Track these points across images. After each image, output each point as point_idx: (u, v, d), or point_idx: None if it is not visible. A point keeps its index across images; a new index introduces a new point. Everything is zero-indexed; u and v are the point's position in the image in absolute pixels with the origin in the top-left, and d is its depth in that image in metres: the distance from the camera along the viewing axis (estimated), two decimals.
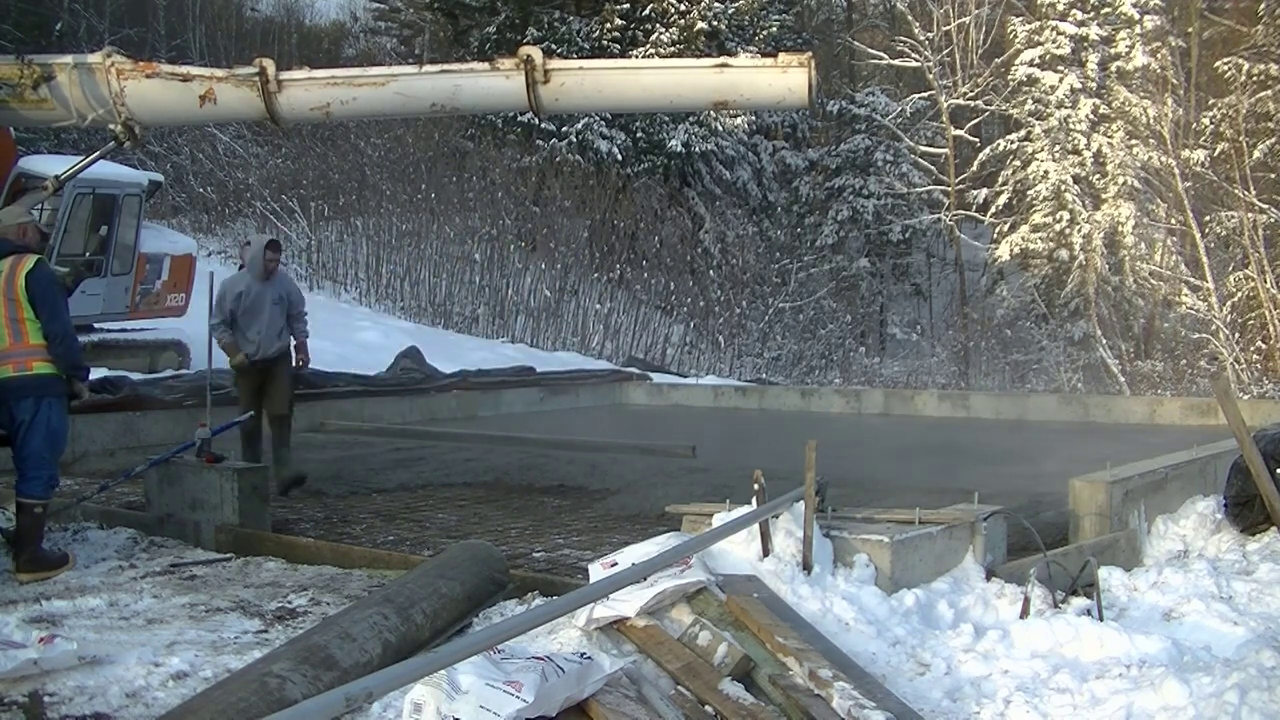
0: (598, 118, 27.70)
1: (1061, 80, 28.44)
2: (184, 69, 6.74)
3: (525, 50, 6.36)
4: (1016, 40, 29.45)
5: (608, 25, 29.40)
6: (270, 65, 6.45)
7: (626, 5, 29.68)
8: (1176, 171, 26.45)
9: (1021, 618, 4.98)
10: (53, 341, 6.23)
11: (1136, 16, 28.57)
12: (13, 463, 6.28)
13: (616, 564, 4.88)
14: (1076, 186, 28.19)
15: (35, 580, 5.99)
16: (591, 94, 6.55)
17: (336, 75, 6.70)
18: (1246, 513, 6.62)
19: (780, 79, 6.14)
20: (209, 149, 26.69)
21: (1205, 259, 25.68)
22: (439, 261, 25.05)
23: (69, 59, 6.64)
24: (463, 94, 6.48)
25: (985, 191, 29.72)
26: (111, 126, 6.65)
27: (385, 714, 4.10)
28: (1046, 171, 28.23)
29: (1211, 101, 28.16)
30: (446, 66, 6.67)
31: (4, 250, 6.36)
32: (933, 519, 5.55)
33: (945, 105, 30.14)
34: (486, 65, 6.53)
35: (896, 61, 31.30)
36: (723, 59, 6.41)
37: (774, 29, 32.37)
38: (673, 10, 29.60)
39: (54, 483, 6.34)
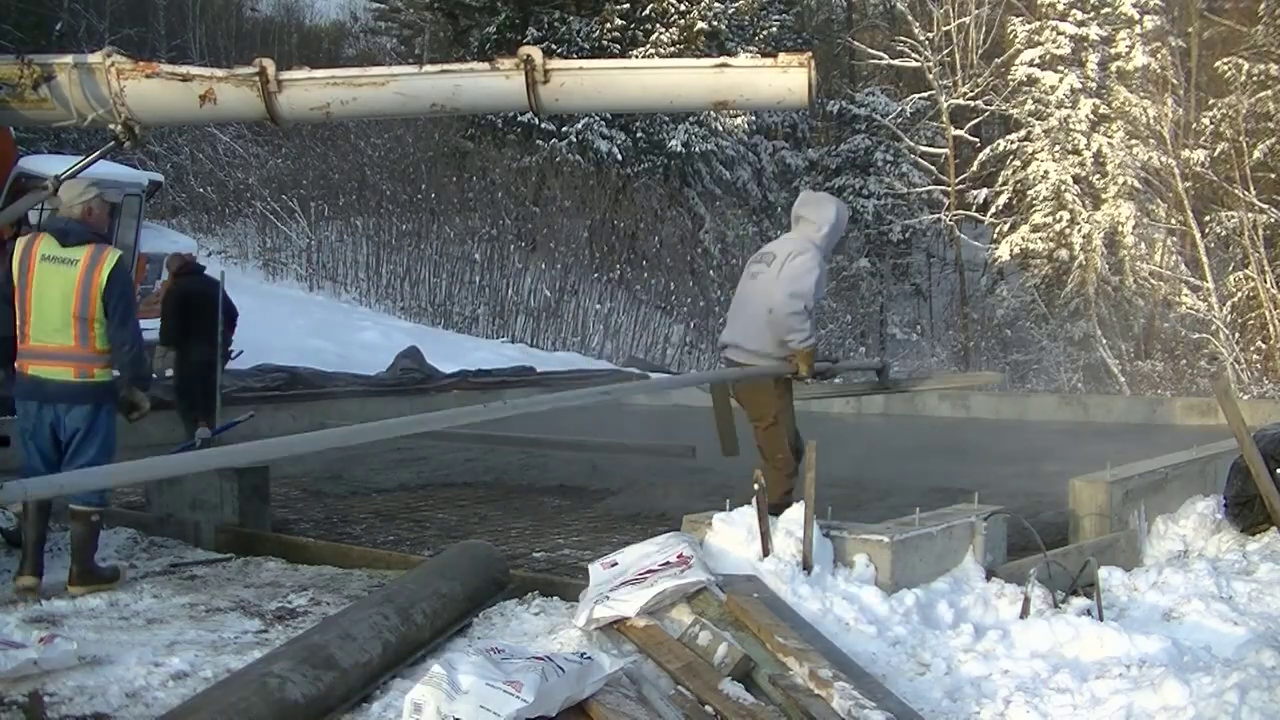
0: (598, 118, 27.71)
1: (1061, 80, 28.46)
2: (184, 69, 6.74)
3: (525, 50, 6.36)
4: (1016, 40, 29.47)
5: (608, 25, 29.40)
6: (270, 65, 6.45)
7: (626, 5, 29.68)
8: (1176, 171, 26.46)
9: (1021, 618, 4.99)
10: (121, 348, 5.81)
11: (1136, 16, 28.60)
12: (61, 469, 5.84)
13: (616, 564, 4.88)
14: (1076, 186, 28.21)
15: (91, 593, 5.71)
16: (591, 94, 6.55)
17: (336, 75, 6.70)
18: (1246, 513, 6.62)
19: (780, 79, 6.14)
20: (209, 149, 26.69)
21: (1205, 259, 25.69)
22: (439, 261, 25.06)
23: (69, 59, 6.62)
24: (463, 94, 6.48)
25: (985, 191, 29.74)
26: (111, 126, 6.64)
27: (385, 714, 4.11)
28: (1046, 171, 28.24)
29: (1211, 101, 28.17)
30: (446, 66, 6.67)
31: (80, 236, 5.82)
32: (933, 519, 5.56)
33: (945, 105, 30.14)
34: (486, 65, 6.53)
35: (896, 61, 31.31)
36: (723, 59, 6.41)
37: (774, 29, 32.39)
38: (673, 10, 29.60)
39: (109, 489, 6.05)
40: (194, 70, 6.72)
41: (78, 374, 5.79)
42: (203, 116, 7.04)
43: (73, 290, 5.72)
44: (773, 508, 5.61)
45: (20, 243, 5.87)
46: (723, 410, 6.73)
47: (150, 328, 14.67)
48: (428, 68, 6.62)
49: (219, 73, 6.63)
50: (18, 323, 5.78)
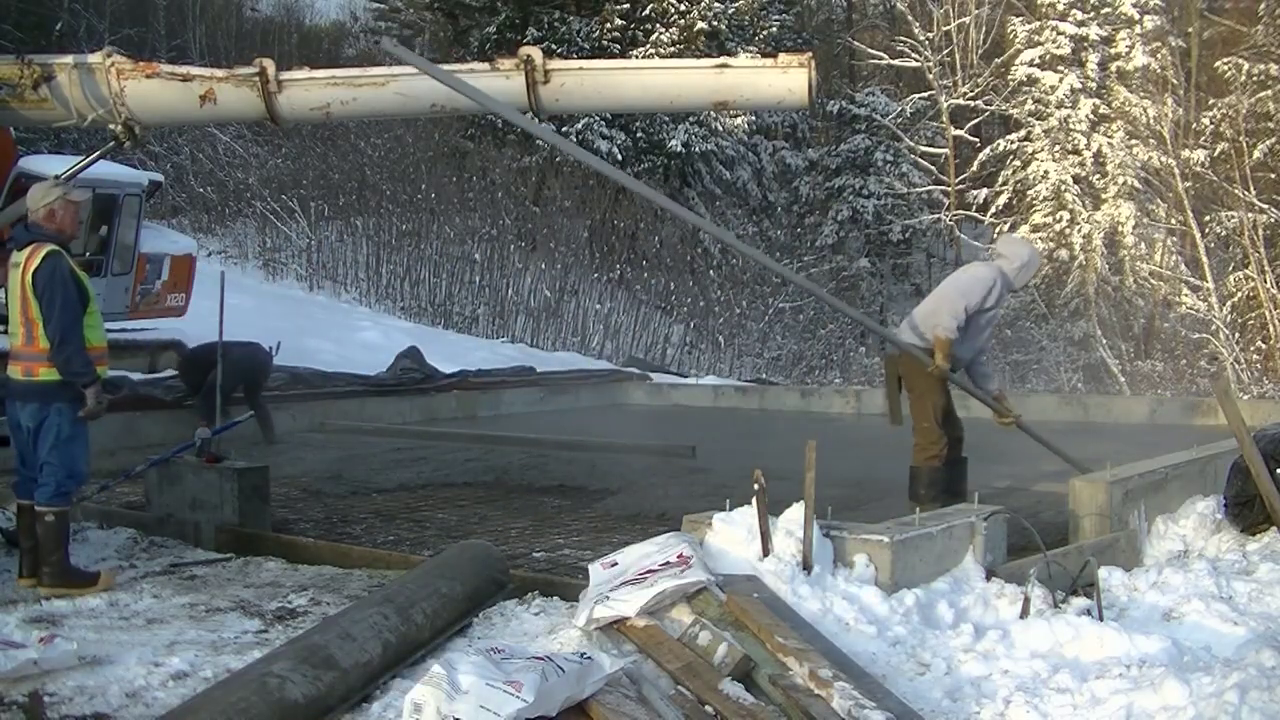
0: (598, 118, 27.71)
1: (1061, 80, 28.45)
2: (184, 69, 6.75)
3: (525, 50, 6.36)
4: (1016, 40, 29.46)
5: (608, 25, 29.40)
6: (270, 65, 6.45)
7: (626, 5, 29.68)
8: (1176, 171, 26.45)
9: (1021, 618, 4.99)
10: (51, 344, 5.73)
11: (1136, 16, 28.59)
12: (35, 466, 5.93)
13: (616, 564, 4.88)
14: (1076, 186, 28.20)
15: (57, 595, 5.68)
16: (591, 94, 6.56)
17: (337, 75, 6.71)
18: (1246, 513, 6.62)
19: (780, 79, 6.15)
20: (209, 149, 26.68)
21: (1205, 259, 25.67)
22: (439, 261, 25.05)
23: (69, 59, 6.63)
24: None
25: (985, 191, 29.72)
26: (111, 126, 6.65)
27: (385, 714, 4.11)
28: (1046, 171, 28.23)
29: (1211, 101, 28.16)
30: (447, 67, 6.68)
31: (24, 240, 5.88)
32: (933, 519, 5.56)
33: (945, 105, 30.13)
34: (487, 65, 6.54)
35: (896, 61, 31.29)
36: (723, 59, 6.42)
37: (774, 29, 32.40)
38: (673, 10, 29.59)
39: (62, 490, 5.92)
40: (194, 70, 6.74)
41: (23, 372, 5.86)
42: (203, 117, 7.05)
43: (17, 292, 5.81)
44: (920, 470, 7.07)
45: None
46: (891, 385, 7.60)
47: (150, 328, 14.81)
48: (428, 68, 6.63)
49: (219, 73, 6.64)
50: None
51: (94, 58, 6.55)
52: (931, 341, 7.19)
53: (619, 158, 28.58)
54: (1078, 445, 9.06)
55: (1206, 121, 27.87)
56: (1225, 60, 27.60)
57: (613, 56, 26.51)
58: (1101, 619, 4.99)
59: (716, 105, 6.84)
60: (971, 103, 30.07)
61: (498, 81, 6.38)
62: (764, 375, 24.12)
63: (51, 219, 5.91)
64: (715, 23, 29.79)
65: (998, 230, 29.50)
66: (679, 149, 29.72)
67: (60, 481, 5.89)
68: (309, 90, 6.50)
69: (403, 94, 6.51)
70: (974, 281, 7.29)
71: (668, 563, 4.70)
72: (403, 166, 26.52)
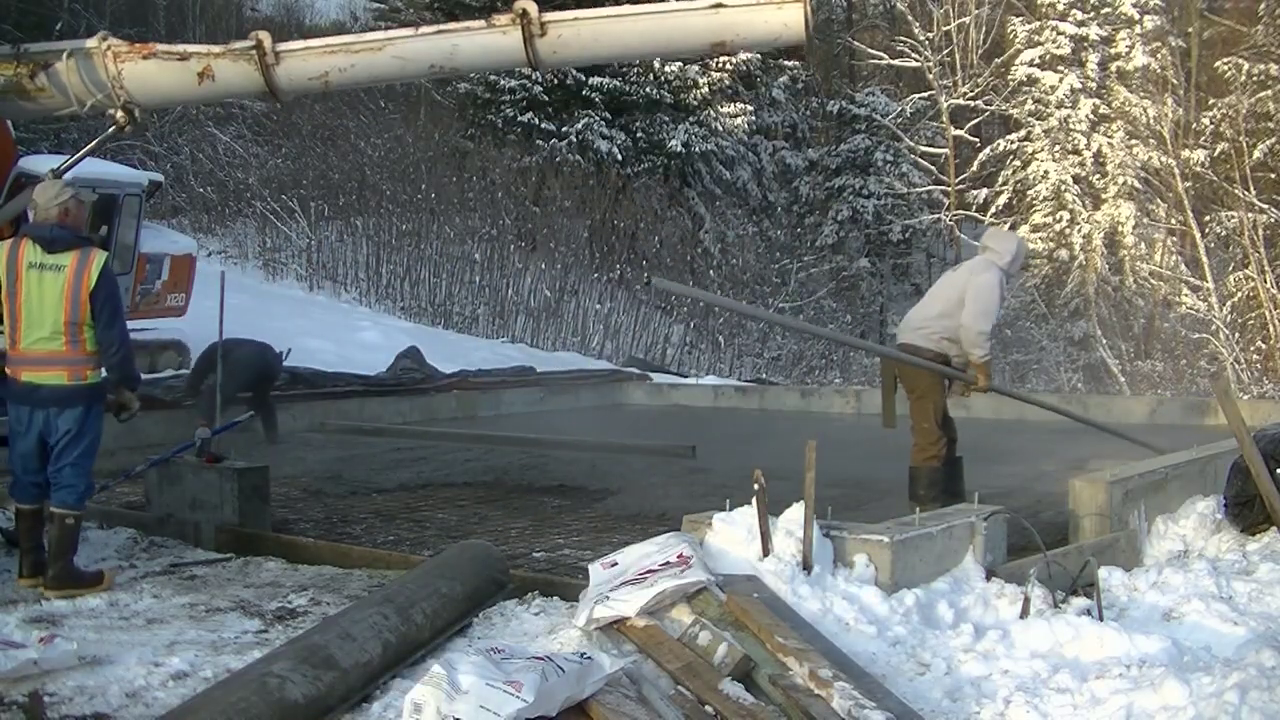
0: (597, 117, 27.72)
1: (1061, 80, 28.49)
2: (180, 47, 6.69)
3: (520, 4, 6.27)
4: (1016, 40, 29.51)
5: None
6: (266, 37, 6.41)
7: None
8: (1176, 171, 26.48)
9: (1021, 618, 4.99)
10: (110, 349, 5.76)
11: (1136, 16, 28.63)
12: (47, 470, 5.85)
13: (616, 564, 4.88)
14: (1076, 186, 28.22)
15: (64, 597, 5.65)
16: (589, 43, 6.47)
17: (333, 43, 6.65)
18: (1246, 513, 6.62)
19: (776, 15, 6.09)
20: (209, 149, 26.67)
21: (1205, 259, 25.69)
22: (439, 261, 25.03)
23: (65, 45, 6.60)
24: (460, 53, 6.43)
25: (985, 191, 29.75)
26: (111, 111, 6.62)
27: (385, 714, 4.11)
28: (1046, 171, 28.26)
29: (1211, 101, 28.20)
30: (443, 27, 6.64)
31: (65, 242, 5.72)
32: (933, 519, 5.56)
33: (945, 105, 30.15)
34: (483, 22, 6.47)
35: (896, 61, 31.32)
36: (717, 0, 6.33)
37: None
38: None
39: (90, 493, 6.01)
40: (190, 48, 6.68)
41: (71, 377, 5.78)
42: (202, 94, 6.95)
43: (63, 296, 5.67)
44: (920, 470, 7.13)
45: (3, 248, 5.78)
46: (887, 387, 7.63)
47: (150, 328, 14.82)
48: (424, 29, 6.57)
49: (215, 49, 6.59)
50: (7, 329, 5.77)
51: (90, 42, 6.53)
52: (942, 347, 7.39)
53: (619, 158, 28.58)
54: (1078, 445, 9.07)
55: (1206, 121, 27.93)
56: (1225, 60, 27.65)
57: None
58: (1101, 619, 4.99)
59: (714, 46, 6.68)
60: (971, 103, 30.09)
61: (495, 38, 6.32)
62: (764, 375, 24.11)
63: (66, 217, 5.83)
64: None
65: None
66: (679, 149, 29.69)
67: (90, 485, 5.97)
68: (306, 60, 6.46)
69: (400, 57, 6.45)
70: (988, 292, 7.35)
71: (668, 563, 4.70)
72: (403, 166, 26.50)
